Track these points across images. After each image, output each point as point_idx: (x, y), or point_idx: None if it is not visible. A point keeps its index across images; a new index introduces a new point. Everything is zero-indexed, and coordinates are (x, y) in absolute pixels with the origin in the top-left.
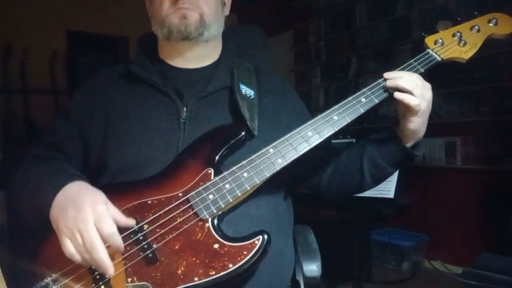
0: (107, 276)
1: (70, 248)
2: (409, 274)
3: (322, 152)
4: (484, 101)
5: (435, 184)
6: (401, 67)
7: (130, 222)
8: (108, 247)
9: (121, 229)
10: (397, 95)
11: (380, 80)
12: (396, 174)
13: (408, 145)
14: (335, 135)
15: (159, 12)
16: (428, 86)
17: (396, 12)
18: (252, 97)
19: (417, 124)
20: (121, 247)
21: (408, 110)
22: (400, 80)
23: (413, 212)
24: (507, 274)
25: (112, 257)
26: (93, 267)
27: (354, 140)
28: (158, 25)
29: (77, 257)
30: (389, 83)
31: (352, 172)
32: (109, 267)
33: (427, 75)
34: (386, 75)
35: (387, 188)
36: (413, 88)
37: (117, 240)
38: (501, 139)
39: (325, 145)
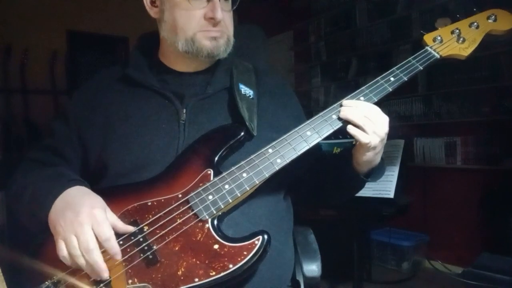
0: (107, 277)
1: (63, 250)
2: (409, 274)
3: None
4: (484, 101)
5: (435, 184)
6: (399, 65)
7: (129, 228)
8: (103, 252)
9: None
10: (350, 129)
11: (335, 105)
12: (396, 174)
13: (364, 170)
14: (335, 135)
15: (186, 26)
16: (383, 120)
17: (396, 12)
18: (252, 97)
19: (368, 157)
20: (118, 254)
21: (359, 144)
22: (352, 113)
23: (413, 212)
24: (507, 274)
25: (112, 259)
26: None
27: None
28: (182, 39)
29: (68, 261)
30: (341, 113)
31: (317, 188)
32: (104, 271)
33: (426, 76)
34: (344, 102)
35: (387, 188)
36: (363, 124)
37: (114, 245)
38: (501, 139)
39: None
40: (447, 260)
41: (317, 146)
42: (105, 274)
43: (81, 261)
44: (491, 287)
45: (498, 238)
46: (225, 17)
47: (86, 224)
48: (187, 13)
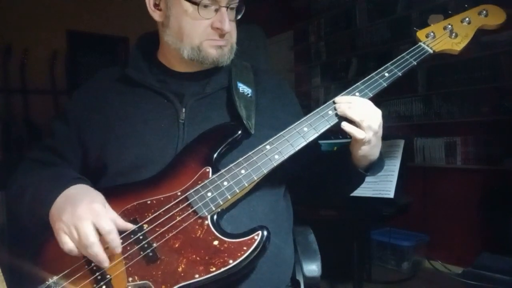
0: (108, 276)
1: (68, 243)
2: (409, 274)
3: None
4: (484, 101)
5: (435, 184)
6: (393, 61)
7: (129, 225)
8: (106, 249)
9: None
10: (344, 126)
11: (330, 102)
12: (396, 174)
13: (362, 165)
14: (335, 135)
15: (192, 35)
16: (376, 114)
17: (396, 12)
18: (250, 95)
19: (365, 151)
20: (119, 247)
21: (354, 139)
22: (350, 109)
23: (413, 212)
24: (507, 274)
25: (112, 256)
26: (94, 268)
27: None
28: (188, 46)
29: (75, 252)
30: (339, 110)
31: (317, 186)
32: (104, 261)
33: (426, 76)
34: (338, 99)
35: (387, 188)
36: (361, 120)
37: (115, 238)
38: (501, 139)
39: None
40: (447, 260)
41: (315, 143)
42: (106, 264)
43: (83, 252)
44: (491, 287)
45: (498, 238)
46: (231, 26)
47: (85, 218)
48: (194, 21)
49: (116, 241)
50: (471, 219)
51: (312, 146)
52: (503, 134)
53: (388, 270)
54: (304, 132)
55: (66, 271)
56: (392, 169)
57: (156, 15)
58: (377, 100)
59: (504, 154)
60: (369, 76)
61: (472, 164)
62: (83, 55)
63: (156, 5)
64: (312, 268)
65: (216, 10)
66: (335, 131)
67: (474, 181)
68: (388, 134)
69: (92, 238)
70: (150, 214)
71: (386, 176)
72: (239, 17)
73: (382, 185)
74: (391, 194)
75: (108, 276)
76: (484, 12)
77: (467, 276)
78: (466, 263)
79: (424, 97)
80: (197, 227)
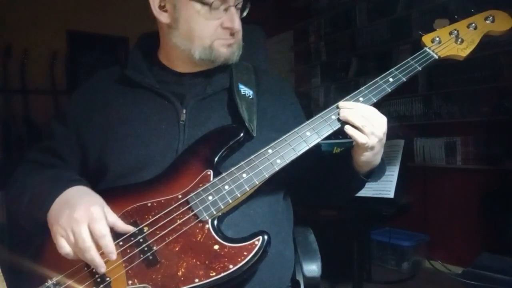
0: (107, 278)
1: (65, 247)
2: (409, 274)
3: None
4: (484, 101)
5: (435, 184)
6: (398, 66)
7: (129, 228)
8: (102, 254)
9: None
10: (347, 129)
11: (334, 106)
12: (396, 174)
13: (364, 170)
14: (335, 135)
15: (203, 35)
16: (381, 121)
17: (396, 12)
18: (251, 97)
19: (367, 157)
20: (113, 253)
21: (357, 144)
22: (351, 115)
23: (413, 212)
24: (507, 274)
25: (111, 259)
26: (93, 270)
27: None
28: (199, 47)
29: (72, 256)
30: (341, 115)
31: (318, 189)
32: (100, 267)
33: (426, 76)
34: (341, 104)
35: (387, 188)
36: (362, 126)
37: (108, 243)
38: (501, 139)
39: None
40: (447, 260)
41: (317, 146)
42: (102, 269)
43: (80, 256)
44: (491, 287)
45: (498, 238)
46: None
47: (82, 221)
48: (205, 22)
49: (109, 247)
50: (471, 219)
51: (313, 149)
52: (503, 134)
53: (388, 270)
54: (306, 137)
55: (65, 273)
56: (392, 169)
57: (163, 17)
58: (377, 100)
59: (504, 154)
60: (373, 81)
61: (472, 164)
62: (83, 55)
63: (162, 7)
64: (312, 268)
65: (225, 10)
66: (336, 132)
67: (474, 181)
68: (388, 134)
69: (88, 243)
70: (150, 217)
71: (386, 176)
72: (244, 15)
73: (382, 185)
74: (391, 194)
75: (108, 279)
76: (491, 17)
77: (467, 276)
78: (466, 263)
79: (424, 97)
80: (197, 231)
